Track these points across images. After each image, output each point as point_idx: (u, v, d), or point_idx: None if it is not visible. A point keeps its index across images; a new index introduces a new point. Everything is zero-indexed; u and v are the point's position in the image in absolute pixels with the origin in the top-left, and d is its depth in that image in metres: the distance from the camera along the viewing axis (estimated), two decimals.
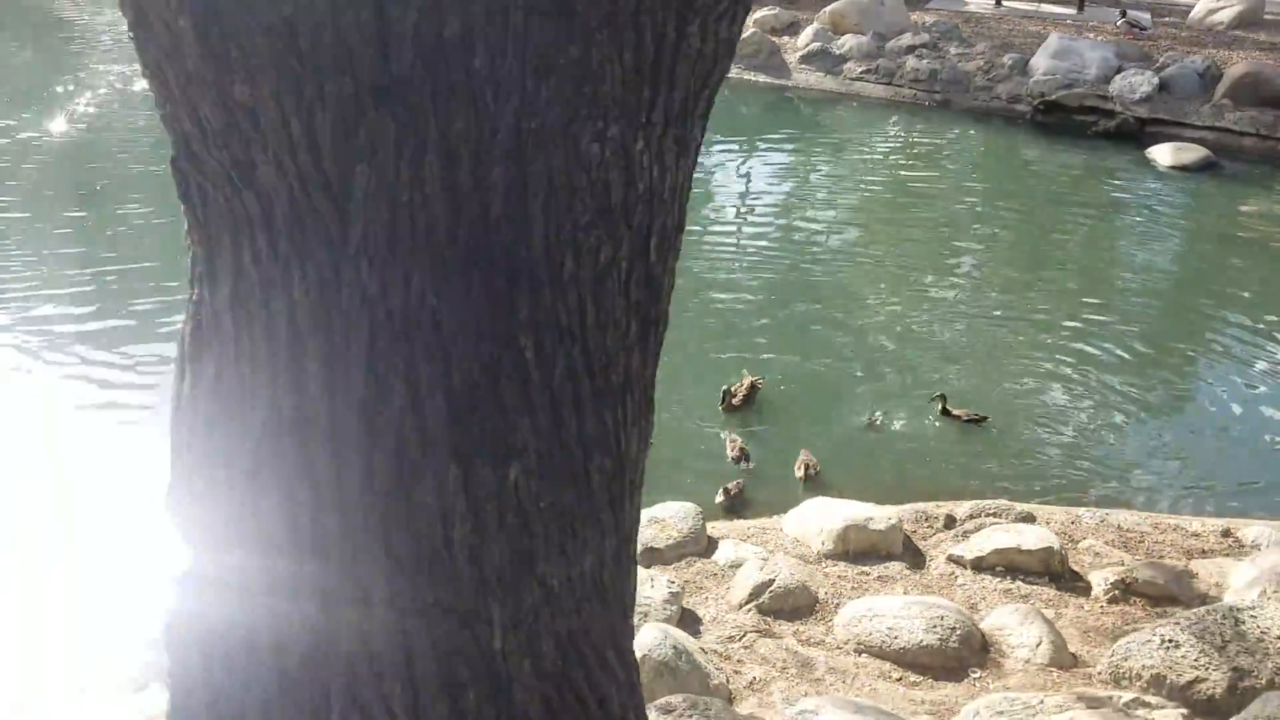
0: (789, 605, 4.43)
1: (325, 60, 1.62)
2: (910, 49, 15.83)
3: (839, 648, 4.15)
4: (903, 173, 12.88)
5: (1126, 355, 8.13)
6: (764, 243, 10.39)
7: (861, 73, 15.67)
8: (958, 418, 6.84)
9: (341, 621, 1.73)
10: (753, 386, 7.06)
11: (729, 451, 6.41)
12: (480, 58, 1.65)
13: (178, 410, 1.90)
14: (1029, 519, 5.25)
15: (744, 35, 16.51)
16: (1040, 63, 14.82)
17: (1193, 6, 18.06)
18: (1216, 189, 12.18)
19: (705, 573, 4.83)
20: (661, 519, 5.13)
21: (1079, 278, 9.88)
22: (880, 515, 5.07)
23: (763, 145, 13.97)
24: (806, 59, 16.15)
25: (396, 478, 1.72)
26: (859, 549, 4.91)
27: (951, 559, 4.84)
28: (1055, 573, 4.68)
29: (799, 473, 6.19)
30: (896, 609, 4.16)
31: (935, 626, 4.03)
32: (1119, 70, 14.42)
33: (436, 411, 1.72)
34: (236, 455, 1.78)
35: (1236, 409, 7.42)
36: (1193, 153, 12.56)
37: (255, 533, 1.77)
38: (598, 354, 1.85)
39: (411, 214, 1.69)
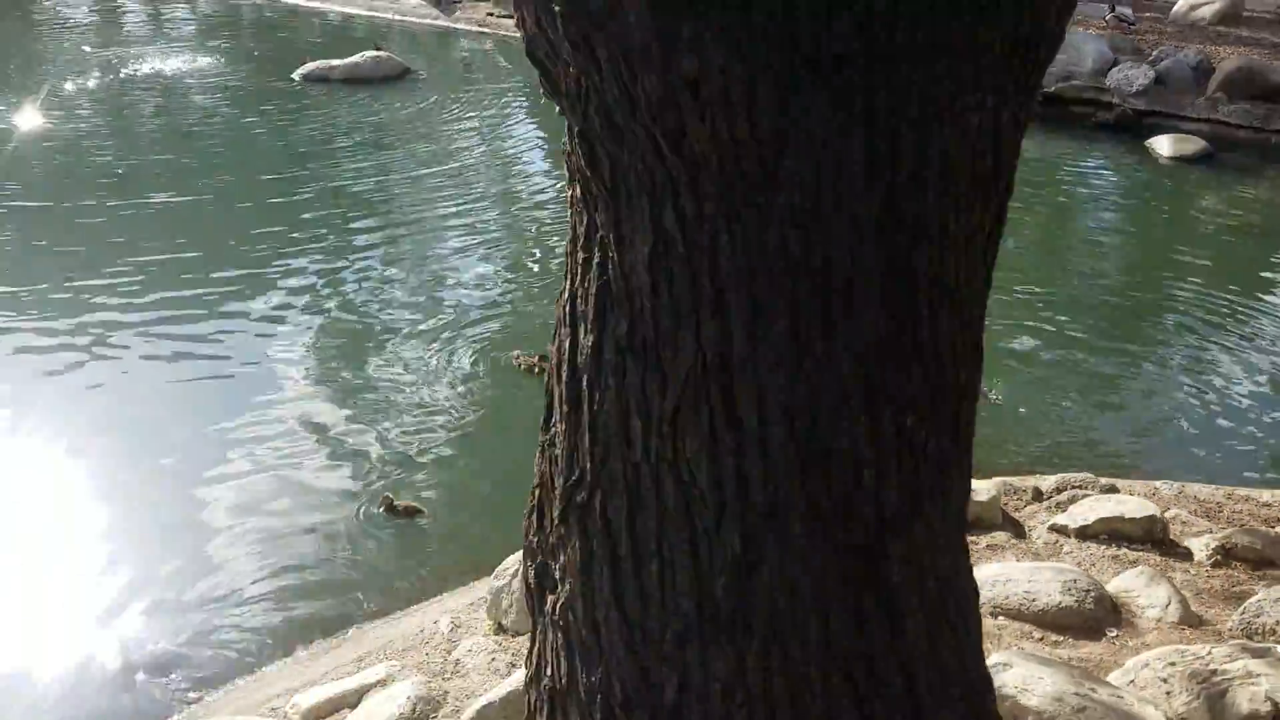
0: None
1: (772, 34, 1.75)
2: None
3: None
4: None
5: (1143, 333, 8.43)
6: None
7: None
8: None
9: (764, 558, 1.87)
10: None
11: None
12: (903, 32, 1.80)
13: (571, 364, 2.03)
14: (1113, 490, 5.47)
15: None
16: None
17: (1175, 2, 18.50)
18: (1216, 178, 12.55)
19: None
20: None
21: (1091, 260, 10.18)
22: (980, 488, 5.26)
23: None
24: None
25: (813, 426, 1.86)
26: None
27: (1054, 528, 5.05)
28: (1158, 540, 4.90)
29: None
30: (1027, 574, 4.36)
31: (1070, 589, 4.23)
32: (1114, 63, 14.78)
33: (850, 365, 1.86)
34: (654, 401, 1.91)
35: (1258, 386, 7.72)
36: (1192, 144, 12.92)
37: (674, 485, 1.90)
38: (965, 309, 2.01)
39: (835, 179, 1.83)
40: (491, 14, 18.31)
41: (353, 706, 3.98)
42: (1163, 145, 13.07)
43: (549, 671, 2.13)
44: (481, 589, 5.03)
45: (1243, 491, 5.82)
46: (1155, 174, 12.73)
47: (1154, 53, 15.18)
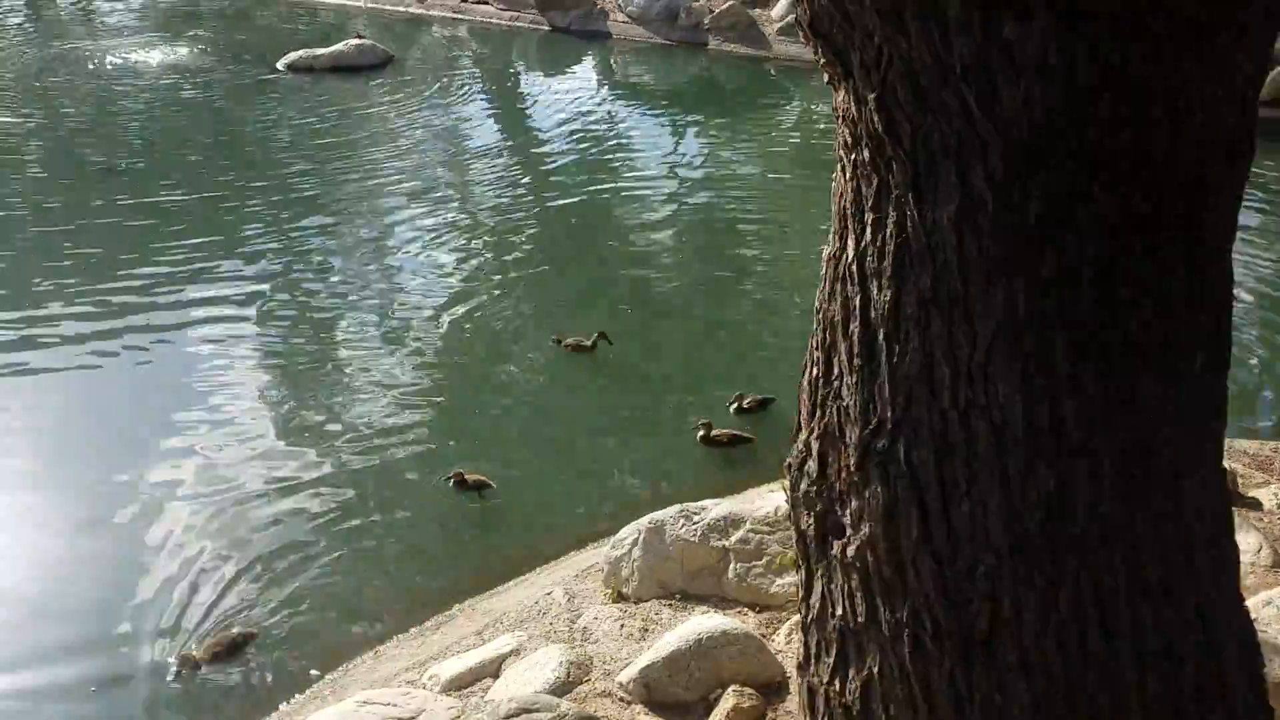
0: None
1: (1100, 3, 1.87)
2: None
3: None
4: None
5: None
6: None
7: None
8: None
9: (1076, 495, 2.00)
10: None
11: None
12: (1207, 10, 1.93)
13: (863, 319, 2.14)
14: None
15: (722, 8, 16.78)
16: None
17: None
18: None
19: None
20: None
21: None
22: None
23: (739, 116, 14.08)
24: (785, 30, 16.46)
25: (1122, 370, 2.00)
26: None
27: None
28: (1229, 491, 5.13)
29: None
30: None
31: None
32: None
33: (1152, 311, 2.00)
34: (962, 352, 2.03)
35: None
36: None
37: (986, 429, 2.02)
38: (1228, 258, 2.16)
39: (1134, 136, 1.96)
40: (465, 1, 18.25)
41: (494, 675, 4.07)
42: None
43: (838, 612, 2.25)
44: (581, 561, 5.14)
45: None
46: None
47: None
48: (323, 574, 5.27)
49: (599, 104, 14.31)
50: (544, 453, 6.41)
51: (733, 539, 4.37)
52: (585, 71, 16.09)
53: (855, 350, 2.17)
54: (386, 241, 9.48)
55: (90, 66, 14.80)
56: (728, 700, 3.53)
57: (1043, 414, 2.01)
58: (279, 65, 14.50)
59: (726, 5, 16.85)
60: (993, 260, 2.01)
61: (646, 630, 4.17)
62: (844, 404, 2.20)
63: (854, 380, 2.17)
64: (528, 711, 3.42)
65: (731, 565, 4.32)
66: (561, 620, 4.40)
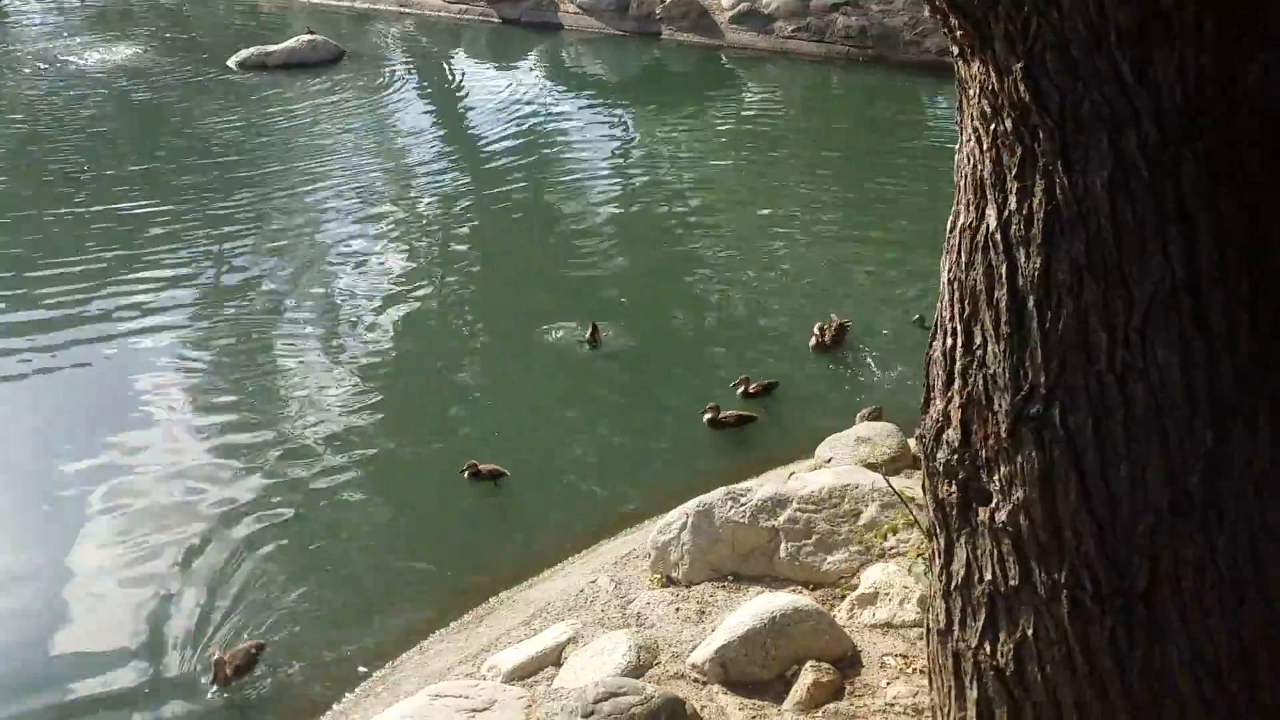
0: None
1: None
2: (836, 6, 16.41)
3: None
4: (839, 123, 13.52)
5: None
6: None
7: (793, 31, 16.18)
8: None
9: (1234, 452, 2.06)
10: (841, 328, 7.44)
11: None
12: None
13: (1010, 288, 2.18)
14: None
15: None
16: None
17: None
18: None
19: None
20: (868, 438, 5.51)
21: None
22: None
23: (690, 104, 14.00)
24: (737, 19, 16.53)
25: (1274, 326, 2.06)
26: None
27: None
28: None
29: None
30: None
31: None
32: None
33: None
34: (1118, 316, 2.07)
35: None
36: None
37: (1144, 390, 2.07)
38: None
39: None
40: None
41: (555, 664, 4.06)
42: None
43: (987, 577, 2.28)
44: (614, 549, 5.14)
45: None
46: None
47: None
48: (349, 575, 5.21)
49: (550, 96, 14.25)
50: (550, 444, 6.39)
51: (781, 519, 4.40)
52: (536, 63, 16.02)
53: (1002, 318, 2.20)
54: (362, 239, 9.37)
55: (32, 70, 14.40)
56: (806, 675, 3.57)
57: (1200, 374, 2.06)
58: (230, 64, 14.23)
59: None
60: (1148, 225, 2.06)
61: (703, 613, 4.19)
62: (989, 372, 2.23)
63: (1001, 348, 2.21)
64: (615, 695, 3.42)
65: (782, 545, 4.35)
66: (613, 607, 4.40)
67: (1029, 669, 2.24)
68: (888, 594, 3.99)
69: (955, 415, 2.31)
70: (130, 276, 8.39)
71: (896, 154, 12.09)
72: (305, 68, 14.15)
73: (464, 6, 17.78)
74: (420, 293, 8.22)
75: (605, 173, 11.29)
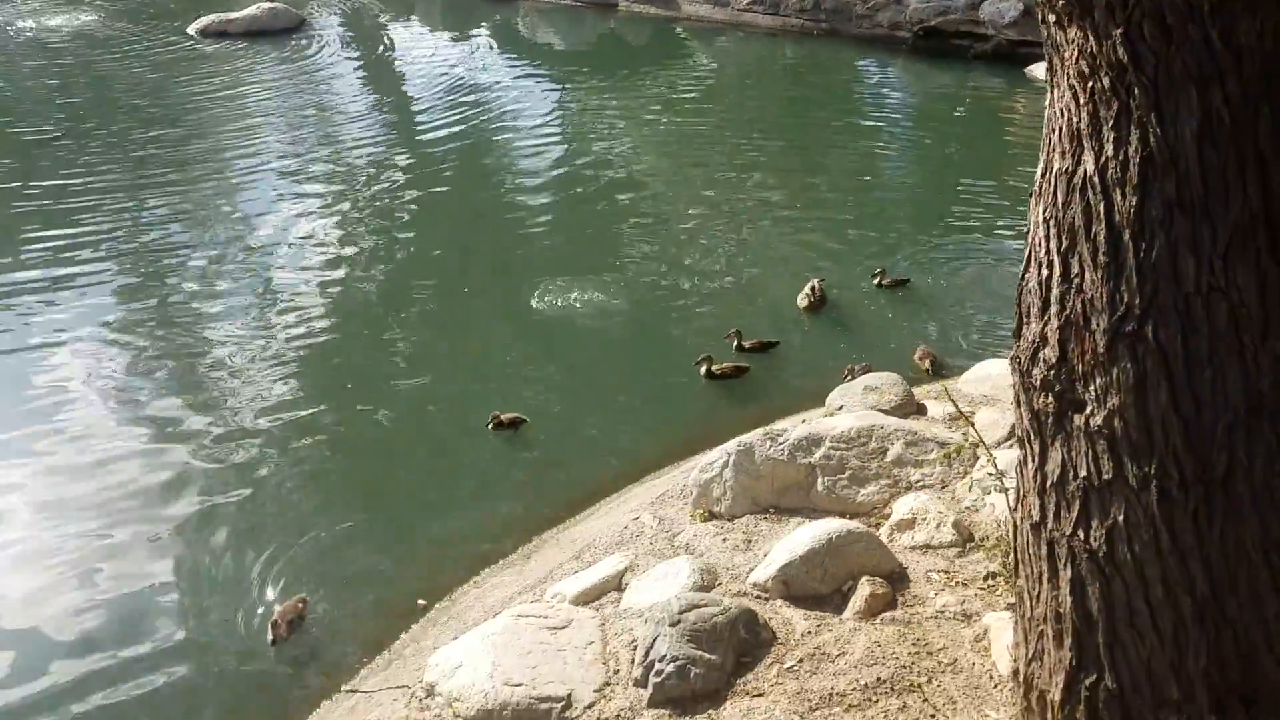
0: None
1: None
2: None
3: None
4: (786, 94, 13.88)
5: None
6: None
7: (749, 3, 16.51)
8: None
9: None
10: (821, 293, 7.79)
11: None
12: None
13: (1108, 223, 2.53)
14: None
15: None
16: None
17: None
18: None
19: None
20: (875, 386, 5.89)
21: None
22: None
23: (637, 73, 14.26)
24: None
25: None
26: None
27: None
28: None
29: (924, 365, 6.93)
30: None
31: None
32: None
33: None
34: (1204, 245, 2.44)
35: None
36: None
37: (1225, 309, 2.43)
38: None
39: None
40: None
41: (618, 589, 4.38)
42: (1039, 71, 14.25)
43: (1081, 474, 2.65)
44: (647, 492, 5.46)
45: None
46: (1031, 95, 13.88)
47: None
48: (391, 520, 5.48)
49: (500, 66, 14.43)
50: (560, 400, 6.67)
51: (816, 456, 4.77)
52: (490, 33, 16.13)
53: (1100, 250, 2.56)
54: (341, 202, 9.52)
55: None
56: (863, 588, 3.93)
57: (1273, 294, 2.44)
58: (190, 31, 14.16)
59: None
60: (1230, 168, 2.42)
61: (749, 541, 4.54)
62: (1087, 297, 2.59)
63: (1099, 275, 2.56)
64: (697, 607, 3.76)
65: (819, 479, 4.72)
66: (660, 539, 4.72)
67: (1119, 550, 2.61)
68: (924, 520, 4.37)
69: (1053, 336, 2.67)
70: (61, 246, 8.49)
71: (840, 123, 12.51)
72: (266, 35, 14.13)
73: None
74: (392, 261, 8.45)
75: (548, 141, 11.46)
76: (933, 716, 3.38)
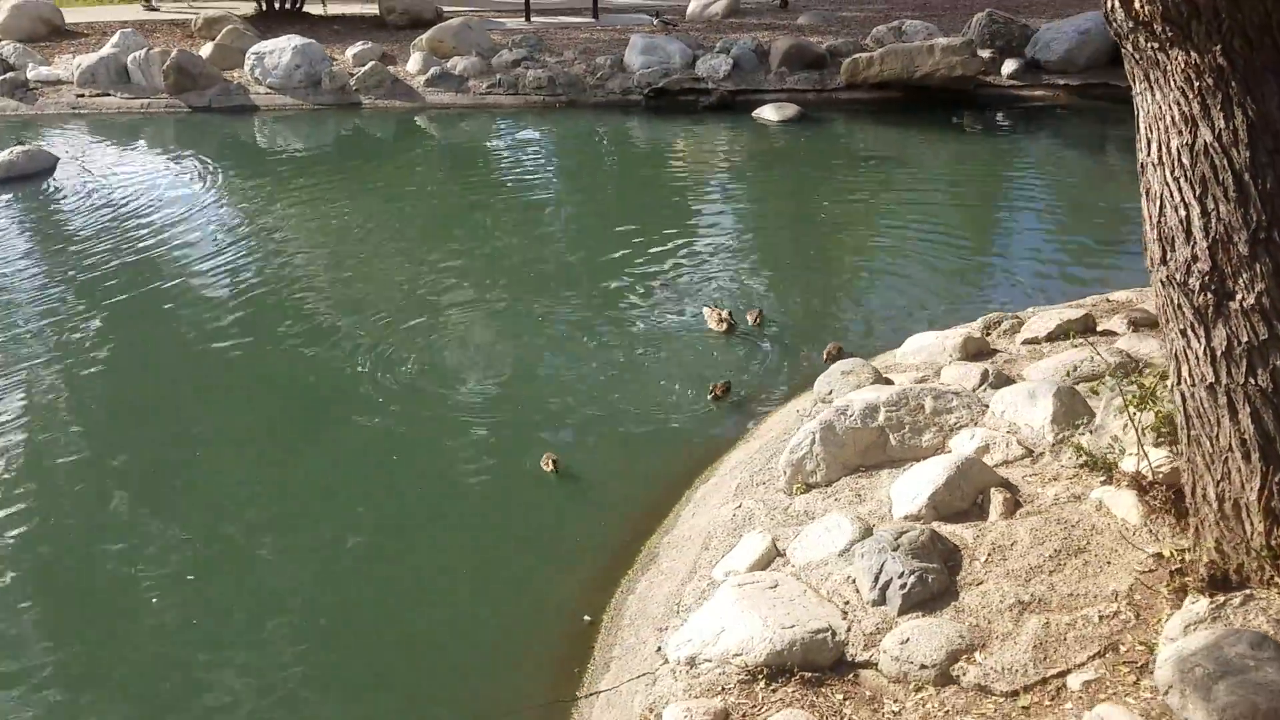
0: None
1: None
2: (515, 62, 18.01)
3: None
4: (539, 165, 15.10)
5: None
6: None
7: (488, 88, 17.57)
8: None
9: None
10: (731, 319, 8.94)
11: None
12: None
13: (1233, 171, 3.82)
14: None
15: (365, 69, 17.62)
16: (634, 60, 17.79)
17: (688, 4, 22.18)
18: (809, 130, 15.96)
19: None
20: (850, 370, 7.10)
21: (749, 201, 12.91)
22: (958, 328, 7.48)
23: (395, 164, 14.91)
24: (432, 82, 17.66)
25: None
26: (974, 352, 7.28)
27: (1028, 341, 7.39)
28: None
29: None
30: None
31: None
32: (696, 57, 17.83)
33: None
34: None
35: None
36: (789, 110, 16.25)
37: None
38: None
39: None
40: (82, 95, 17.47)
41: (780, 555, 5.26)
42: (767, 113, 16.28)
43: (1244, 340, 3.88)
44: (716, 489, 6.34)
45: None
46: (771, 135, 15.85)
47: (718, 43, 18.45)
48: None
49: (241, 176, 14.43)
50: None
51: (880, 419, 5.87)
52: (220, 150, 15.96)
53: (1229, 189, 3.84)
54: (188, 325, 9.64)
55: None
56: (995, 496, 5.07)
57: None
58: None
59: (368, 66, 17.69)
60: None
61: (860, 495, 5.56)
62: (1225, 223, 3.85)
63: (1231, 206, 3.84)
64: (904, 533, 4.73)
65: (890, 436, 5.83)
66: (778, 514, 5.63)
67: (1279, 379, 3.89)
68: (991, 446, 5.59)
69: (1203, 253, 3.92)
70: None
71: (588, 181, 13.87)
72: (27, 180, 13.58)
73: (145, 100, 17.55)
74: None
75: (253, 250, 11.74)
76: (1109, 562, 4.55)
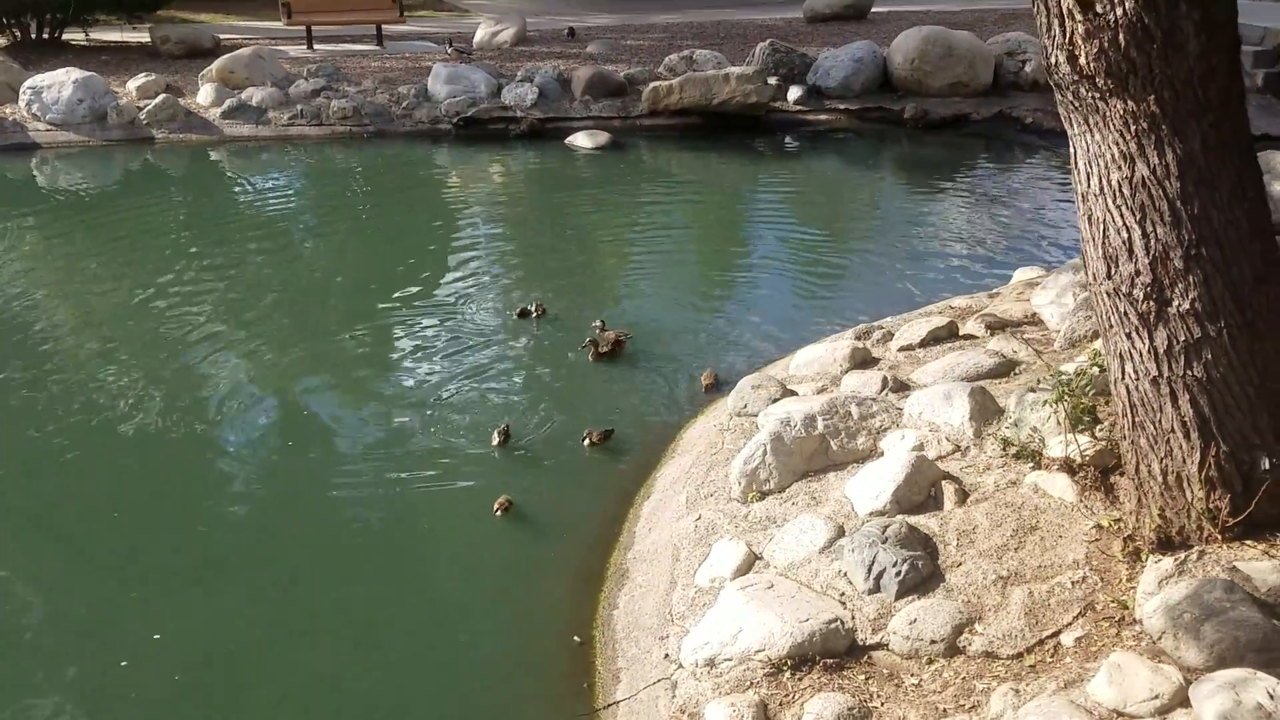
0: None
1: None
2: (315, 92, 17.73)
3: None
4: (355, 197, 15.11)
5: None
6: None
7: (290, 119, 17.20)
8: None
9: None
10: (618, 340, 9.36)
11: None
12: None
13: (1164, 192, 4.59)
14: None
15: (155, 102, 16.95)
16: (438, 89, 17.87)
17: (474, 35, 22.39)
18: (620, 156, 16.59)
19: None
20: (758, 384, 7.65)
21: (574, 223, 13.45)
22: (841, 340, 8.20)
23: (186, 199, 14.64)
24: (229, 114, 17.12)
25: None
26: (861, 360, 8.00)
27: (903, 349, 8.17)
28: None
29: (708, 383, 8.79)
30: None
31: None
32: (500, 86, 18.10)
33: None
34: (1221, 205, 4.60)
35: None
36: (601, 138, 16.81)
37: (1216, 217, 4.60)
38: None
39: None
40: None
41: (758, 558, 5.71)
42: (580, 140, 16.78)
43: (1181, 339, 4.66)
44: (661, 504, 6.73)
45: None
46: (586, 161, 16.36)
47: (519, 72, 18.79)
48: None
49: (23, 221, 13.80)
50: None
51: (820, 426, 6.44)
52: (10, 188, 15.16)
53: (1165, 214, 4.57)
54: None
55: None
56: (947, 488, 5.68)
57: (1253, 209, 4.64)
58: None
59: (158, 99, 17.03)
60: (1219, 159, 4.58)
61: (815, 498, 6.08)
62: (1162, 242, 4.59)
63: (1166, 228, 4.57)
64: (887, 526, 5.29)
65: (831, 442, 6.40)
66: (741, 523, 6.08)
67: (1213, 372, 4.59)
68: (927, 443, 6.25)
69: (1144, 268, 4.65)
70: None
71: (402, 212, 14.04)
72: None
73: None
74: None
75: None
76: (1060, 536, 5.27)
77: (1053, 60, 4.75)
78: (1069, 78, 4.70)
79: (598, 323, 9.60)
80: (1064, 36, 4.62)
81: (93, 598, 6.26)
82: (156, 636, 5.91)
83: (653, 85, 17.73)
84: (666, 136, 17.59)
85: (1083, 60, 4.62)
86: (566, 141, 16.89)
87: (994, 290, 9.73)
